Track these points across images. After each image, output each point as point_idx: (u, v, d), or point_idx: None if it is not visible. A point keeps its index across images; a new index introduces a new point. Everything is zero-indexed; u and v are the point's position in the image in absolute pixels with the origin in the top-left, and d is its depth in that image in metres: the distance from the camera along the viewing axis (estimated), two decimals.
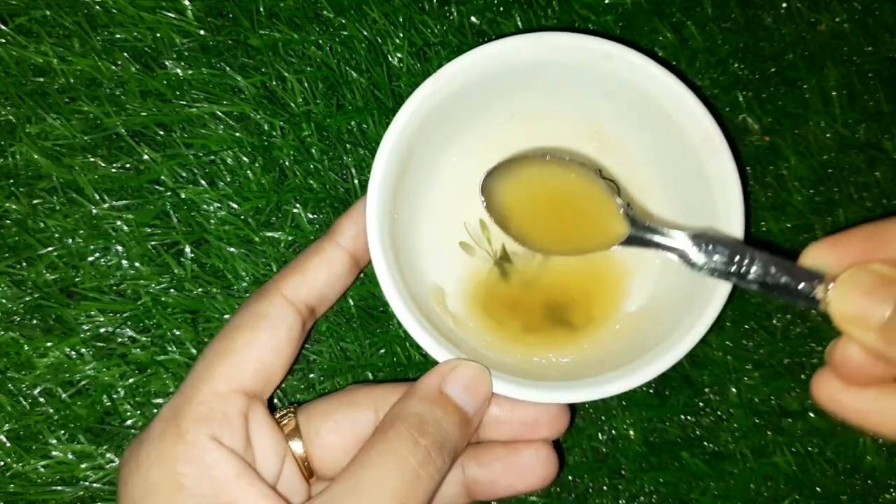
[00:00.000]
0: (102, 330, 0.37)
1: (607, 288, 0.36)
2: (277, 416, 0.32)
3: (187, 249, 0.38)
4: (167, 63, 0.38)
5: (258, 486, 0.28)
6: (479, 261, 0.36)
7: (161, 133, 0.38)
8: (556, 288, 0.36)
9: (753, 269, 0.29)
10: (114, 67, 0.38)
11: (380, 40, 0.39)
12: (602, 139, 0.36)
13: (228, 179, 0.38)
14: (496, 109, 0.35)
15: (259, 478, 0.28)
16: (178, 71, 0.38)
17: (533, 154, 0.34)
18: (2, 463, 0.36)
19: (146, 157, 0.38)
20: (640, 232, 0.31)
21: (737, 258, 0.29)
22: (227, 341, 0.30)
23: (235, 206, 0.38)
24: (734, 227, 0.32)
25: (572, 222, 0.33)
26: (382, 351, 0.39)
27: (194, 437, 0.28)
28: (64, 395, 0.37)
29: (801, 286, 0.27)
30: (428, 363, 0.39)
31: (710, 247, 0.29)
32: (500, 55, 0.32)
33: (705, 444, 0.39)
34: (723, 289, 0.31)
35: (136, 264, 0.37)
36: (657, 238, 0.31)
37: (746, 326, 0.40)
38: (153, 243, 0.38)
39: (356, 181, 0.39)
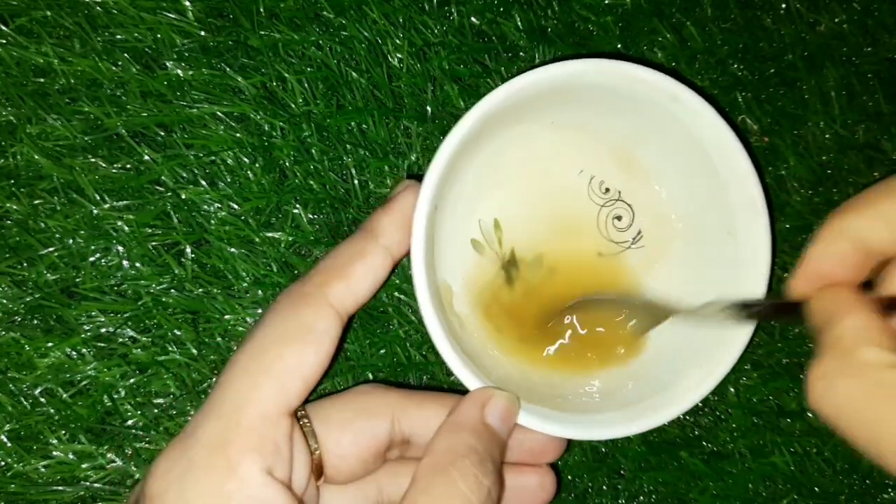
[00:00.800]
0: (103, 330, 0.37)
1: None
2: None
3: (188, 250, 0.38)
4: (168, 64, 0.38)
5: None
6: (488, 261, 0.36)
7: (161, 133, 0.38)
8: (557, 301, 0.36)
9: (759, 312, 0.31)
10: (114, 68, 0.38)
11: (380, 41, 0.39)
12: (632, 168, 0.36)
13: (229, 180, 0.38)
14: (540, 117, 0.35)
15: None
16: (179, 71, 0.38)
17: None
18: (2, 463, 0.37)
19: (147, 157, 0.38)
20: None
21: (744, 315, 0.31)
22: (272, 356, 0.28)
23: (236, 206, 0.38)
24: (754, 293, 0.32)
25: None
26: (382, 351, 0.39)
27: (248, 473, 0.26)
28: (65, 395, 0.37)
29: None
30: (428, 363, 0.39)
31: (717, 311, 0.31)
32: (573, 75, 0.31)
33: (704, 443, 0.39)
34: (742, 338, 0.32)
35: (137, 264, 0.38)
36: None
37: None
38: (154, 244, 0.38)
39: (356, 181, 0.39)
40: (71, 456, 0.37)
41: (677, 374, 0.32)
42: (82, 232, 0.37)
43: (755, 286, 0.32)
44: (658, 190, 0.36)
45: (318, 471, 0.31)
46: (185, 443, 0.27)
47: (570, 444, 0.39)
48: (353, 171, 0.39)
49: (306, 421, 0.31)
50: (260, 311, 0.38)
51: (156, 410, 0.37)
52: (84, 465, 0.37)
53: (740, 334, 0.32)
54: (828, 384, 0.24)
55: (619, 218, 0.36)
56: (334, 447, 0.31)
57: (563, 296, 0.36)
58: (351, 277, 0.30)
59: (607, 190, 0.36)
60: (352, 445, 0.31)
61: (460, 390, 0.32)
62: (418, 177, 0.38)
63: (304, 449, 0.29)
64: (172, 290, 0.38)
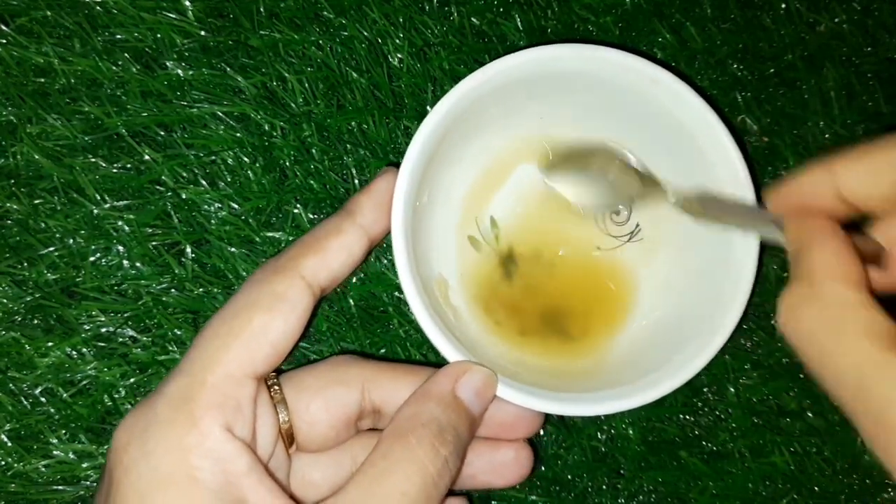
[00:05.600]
0: (103, 330, 0.37)
1: (609, 301, 0.36)
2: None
3: (188, 249, 0.38)
4: (168, 63, 0.38)
5: (267, 482, 0.27)
6: (485, 258, 0.36)
7: (162, 133, 0.38)
8: (557, 295, 0.36)
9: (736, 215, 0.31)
10: (115, 68, 0.38)
11: (380, 41, 0.39)
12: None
13: (229, 180, 0.38)
14: (527, 110, 0.35)
15: (267, 473, 0.28)
16: (179, 71, 0.38)
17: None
18: (3, 462, 0.37)
19: (147, 157, 0.38)
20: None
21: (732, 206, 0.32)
22: (241, 320, 0.29)
23: (236, 206, 0.38)
24: (745, 274, 0.32)
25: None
26: (383, 351, 0.39)
27: (209, 427, 0.27)
28: (65, 395, 0.37)
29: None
30: (428, 363, 0.39)
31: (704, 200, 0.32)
32: (548, 60, 0.32)
33: (704, 443, 0.39)
34: (731, 319, 0.31)
35: (137, 264, 0.38)
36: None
37: (745, 326, 0.40)
38: (154, 243, 0.38)
39: (356, 181, 0.39)
40: (71, 455, 0.37)
41: (673, 348, 0.32)
42: (83, 232, 0.37)
43: (745, 262, 0.32)
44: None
45: (289, 439, 0.31)
46: (151, 399, 0.28)
47: (570, 444, 0.39)
48: (354, 171, 0.39)
49: (277, 388, 0.31)
50: None
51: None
52: (84, 465, 0.37)
53: (732, 311, 0.32)
54: (793, 313, 0.24)
55: (616, 212, 0.36)
56: (304, 413, 0.31)
57: (562, 291, 0.36)
58: (324, 251, 0.30)
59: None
60: (321, 411, 0.31)
61: (440, 364, 0.32)
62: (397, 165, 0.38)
63: (271, 413, 0.30)
64: (173, 290, 0.38)
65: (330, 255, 0.30)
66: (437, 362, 0.39)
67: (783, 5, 0.41)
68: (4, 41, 0.38)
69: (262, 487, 0.27)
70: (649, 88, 0.32)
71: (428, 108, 0.39)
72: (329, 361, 0.33)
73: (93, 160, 0.38)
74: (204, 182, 0.38)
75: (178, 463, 0.26)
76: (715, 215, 0.31)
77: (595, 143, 0.35)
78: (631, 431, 0.39)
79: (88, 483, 0.37)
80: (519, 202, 0.36)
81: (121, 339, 0.37)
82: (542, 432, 0.39)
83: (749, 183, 0.32)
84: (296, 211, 0.38)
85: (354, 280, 0.38)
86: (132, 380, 0.37)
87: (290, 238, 0.38)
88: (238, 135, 0.38)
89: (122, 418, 0.28)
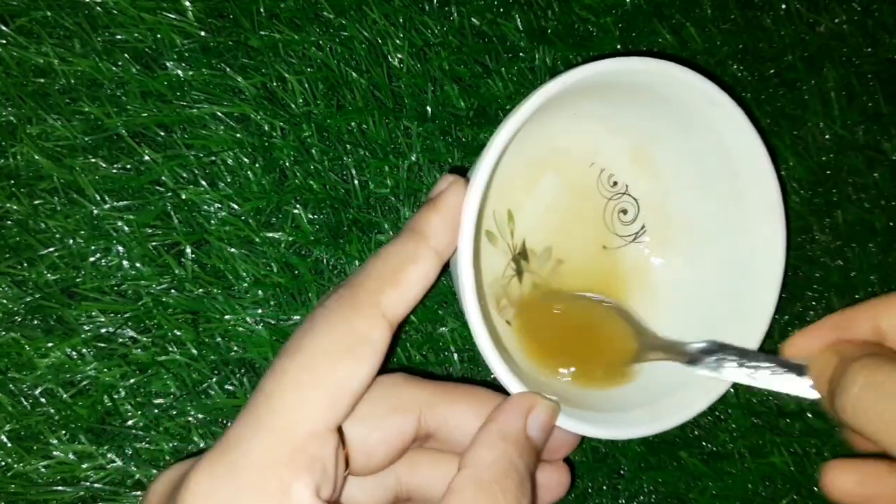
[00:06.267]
0: (103, 330, 0.37)
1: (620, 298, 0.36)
2: None
3: (188, 250, 0.38)
4: (168, 64, 0.38)
5: None
6: (500, 253, 0.36)
7: (162, 134, 0.38)
8: (561, 294, 0.36)
9: (759, 374, 0.30)
10: (114, 68, 0.38)
11: (380, 41, 0.39)
12: (645, 163, 0.36)
13: (229, 180, 0.38)
14: (564, 107, 0.34)
15: None
16: (179, 72, 0.38)
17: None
18: (3, 463, 0.37)
19: (147, 157, 0.38)
20: (651, 349, 0.33)
21: (744, 366, 0.31)
22: (323, 368, 0.27)
23: (236, 206, 0.38)
24: (764, 310, 0.32)
25: (591, 346, 0.35)
26: None
27: (300, 497, 0.25)
28: (65, 396, 0.37)
29: (806, 388, 0.29)
30: (428, 363, 0.39)
31: (717, 360, 0.31)
32: (622, 73, 0.31)
33: (704, 443, 0.39)
34: (757, 335, 0.32)
35: (137, 265, 0.38)
36: (667, 354, 0.32)
37: None
38: (154, 244, 0.38)
39: (356, 181, 0.39)
40: (71, 456, 0.37)
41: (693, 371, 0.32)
42: (82, 232, 0.37)
43: (767, 286, 0.32)
44: (667, 187, 0.36)
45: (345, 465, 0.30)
46: (229, 457, 0.25)
47: None
48: (354, 172, 0.39)
49: None
50: (260, 311, 0.38)
51: (156, 410, 0.37)
52: (84, 466, 0.37)
53: (758, 325, 0.32)
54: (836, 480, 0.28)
55: (624, 212, 0.36)
56: (362, 444, 0.30)
57: (569, 287, 0.36)
58: (403, 284, 0.28)
59: (615, 183, 0.36)
60: (380, 443, 0.30)
61: (486, 383, 0.32)
62: (457, 170, 0.37)
63: (343, 464, 0.28)
64: (172, 291, 0.38)
65: (408, 288, 0.28)
66: (453, 370, 0.39)
67: (783, 6, 0.41)
68: (4, 41, 0.38)
69: None
70: (704, 107, 0.32)
71: (428, 108, 0.39)
72: (381, 384, 0.31)
73: (93, 160, 0.38)
74: (204, 182, 0.38)
75: None
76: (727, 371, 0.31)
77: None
78: None
79: (88, 484, 0.37)
80: (534, 196, 0.36)
81: (121, 340, 0.37)
82: None
83: (782, 212, 0.32)
84: (296, 211, 0.38)
85: None
86: (132, 380, 0.37)
87: (290, 238, 0.38)
88: (238, 135, 0.38)
89: (192, 475, 0.25)
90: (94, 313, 0.37)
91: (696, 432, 0.39)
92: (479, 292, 0.30)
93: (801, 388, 0.29)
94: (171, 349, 0.38)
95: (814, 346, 0.29)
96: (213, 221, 0.38)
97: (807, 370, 0.29)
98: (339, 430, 0.28)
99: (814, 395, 0.29)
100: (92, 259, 0.37)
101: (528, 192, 0.36)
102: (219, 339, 0.38)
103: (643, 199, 0.36)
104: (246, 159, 0.38)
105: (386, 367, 0.28)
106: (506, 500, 0.27)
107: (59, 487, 0.37)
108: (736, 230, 0.33)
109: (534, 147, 0.36)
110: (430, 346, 0.39)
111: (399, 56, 0.39)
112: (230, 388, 0.38)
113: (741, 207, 0.33)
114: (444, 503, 0.26)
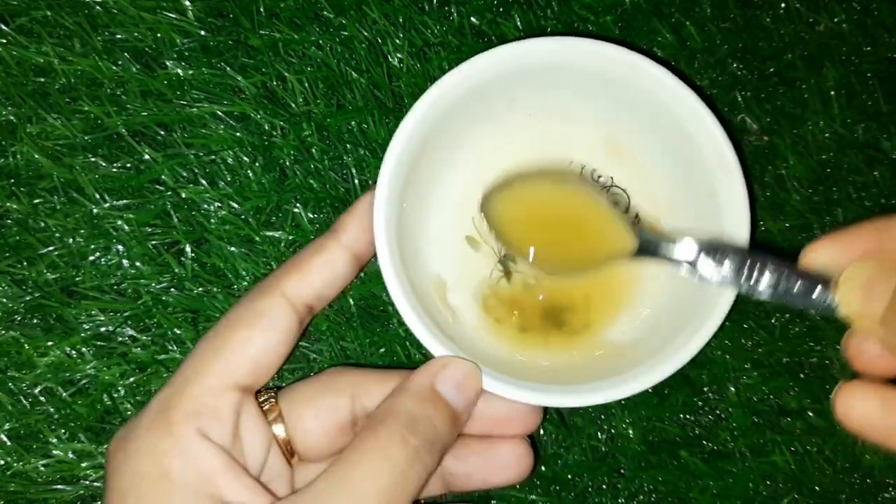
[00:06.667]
0: (103, 329, 0.37)
1: (609, 293, 0.36)
2: (260, 400, 0.32)
3: (188, 249, 0.38)
4: (168, 63, 0.38)
5: (243, 478, 0.29)
6: (484, 257, 0.36)
7: (162, 133, 0.38)
8: (557, 290, 0.36)
9: (765, 277, 0.28)
10: (114, 67, 0.38)
11: (380, 41, 0.39)
12: (614, 147, 0.36)
13: (229, 179, 0.38)
14: (514, 107, 0.35)
15: (244, 471, 0.29)
16: (179, 71, 0.38)
17: (533, 171, 0.35)
18: (2, 462, 0.37)
19: (147, 156, 0.38)
20: (648, 245, 0.31)
21: (747, 267, 0.29)
22: (222, 337, 0.31)
23: (236, 205, 0.38)
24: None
25: (577, 237, 0.33)
26: (382, 350, 0.39)
27: (182, 431, 0.29)
28: (64, 394, 0.37)
29: (815, 294, 0.27)
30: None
31: (720, 257, 0.29)
32: (525, 55, 0.32)
33: (704, 442, 0.39)
34: (725, 300, 0.31)
35: (137, 264, 0.38)
36: (665, 251, 0.31)
37: (745, 325, 0.40)
38: (154, 243, 0.38)
39: (356, 181, 0.39)
40: (71, 455, 0.37)
41: (671, 333, 0.32)
42: (82, 231, 0.37)
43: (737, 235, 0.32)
44: (645, 169, 0.36)
45: (289, 450, 0.32)
46: (141, 411, 0.30)
47: (570, 443, 0.39)
48: (354, 171, 0.39)
49: (273, 402, 0.32)
50: None
51: None
52: (84, 464, 0.37)
53: (722, 301, 0.31)
54: (848, 404, 0.26)
55: (616, 204, 0.36)
56: (297, 423, 0.32)
57: (560, 284, 0.36)
58: (307, 270, 0.32)
59: (600, 177, 0.36)
60: (312, 420, 0.32)
61: None
62: None
63: (260, 424, 0.31)
64: (172, 289, 0.38)
65: (311, 272, 0.32)
66: None
67: (783, 5, 0.41)
68: (4, 41, 0.38)
69: (238, 484, 0.29)
70: (629, 74, 0.32)
71: None
72: (323, 372, 0.34)
73: (93, 160, 0.38)
74: (204, 181, 0.38)
75: (154, 464, 0.28)
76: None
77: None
78: (631, 431, 0.39)
79: (88, 482, 0.37)
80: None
81: (120, 339, 0.37)
82: (541, 432, 0.39)
83: (736, 161, 0.32)
84: (295, 210, 0.38)
85: (355, 280, 0.38)
86: (131, 379, 0.37)
87: (290, 237, 0.38)
88: (238, 134, 0.38)
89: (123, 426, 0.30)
90: (93, 312, 0.37)
91: (697, 431, 0.39)
92: (397, 261, 0.31)
93: (820, 301, 0.27)
94: (170, 348, 0.38)
95: (845, 257, 0.27)
96: (212, 220, 0.38)
97: (832, 283, 0.27)
98: (264, 402, 0.32)
99: (835, 310, 0.27)
100: (92, 258, 0.37)
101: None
102: None
103: (631, 189, 0.36)
104: (246, 158, 0.38)
105: (296, 348, 0.32)
106: (390, 437, 0.28)
107: (59, 486, 0.37)
108: (705, 193, 0.33)
109: (505, 151, 0.36)
110: None
111: (399, 56, 0.39)
112: None
113: (704, 168, 0.33)
114: (343, 450, 0.29)
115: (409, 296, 0.31)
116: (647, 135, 0.35)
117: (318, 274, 0.32)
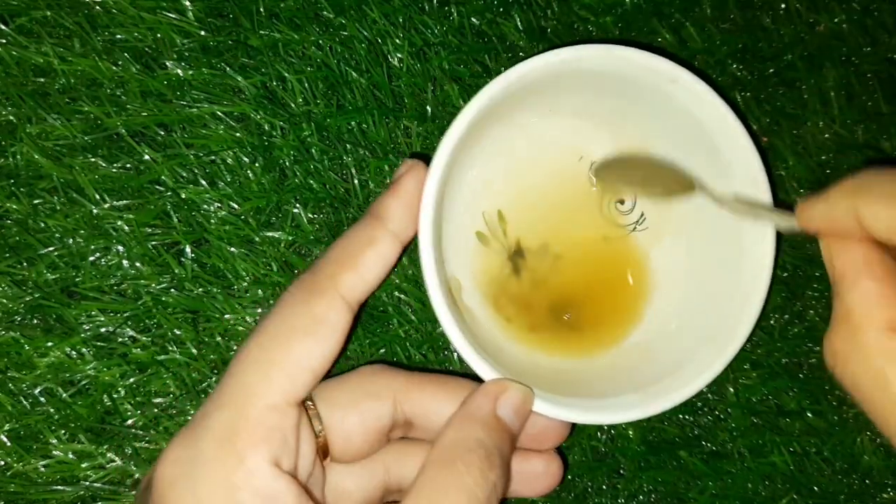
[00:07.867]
0: (103, 329, 0.37)
1: (619, 290, 0.36)
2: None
3: (188, 249, 0.38)
4: (168, 63, 0.38)
5: None
6: (494, 253, 0.36)
7: (161, 133, 0.38)
8: (566, 289, 0.36)
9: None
10: (114, 68, 0.38)
11: (380, 40, 0.39)
12: (631, 151, 0.36)
13: (229, 179, 0.38)
14: (537, 104, 0.35)
15: (311, 500, 0.28)
16: (179, 71, 0.38)
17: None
18: (2, 462, 0.37)
19: (147, 157, 0.38)
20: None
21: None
22: (281, 347, 0.28)
23: (236, 206, 0.38)
24: (760, 282, 0.32)
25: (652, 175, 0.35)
26: (382, 350, 0.39)
27: (255, 464, 0.27)
28: (64, 395, 0.37)
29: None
30: (428, 363, 0.39)
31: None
32: (571, 61, 0.31)
33: (703, 443, 0.39)
34: (748, 320, 0.32)
35: (137, 264, 0.38)
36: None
37: None
38: (154, 243, 0.38)
39: (356, 181, 0.39)
40: (71, 455, 0.37)
41: (686, 354, 0.32)
42: (82, 231, 0.37)
43: (759, 256, 0.32)
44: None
45: (323, 451, 0.31)
46: (195, 432, 0.27)
47: (570, 444, 0.39)
48: (354, 171, 0.39)
49: (311, 404, 0.31)
50: (260, 310, 0.38)
51: (156, 410, 0.37)
52: (84, 465, 0.37)
53: (750, 309, 0.32)
54: (838, 359, 0.26)
55: (621, 202, 0.37)
56: (339, 428, 0.31)
57: (570, 283, 0.36)
58: (362, 267, 0.29)
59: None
60: (356, 426, 0.31)
61: (465, 374, 0.32)
62: (419, 155, 0.38)
63: (310, 434, 0.30)
64: (172, 290, 0.38)
65: (366, 269, 0.30)
66: (453, 369, 0.39)
67: (783, 5, 0.41)
68: (4, 41, 0.38)
69: None
70: (667, 86, 0.32)
71: (428, 107, 0.39)
72: (359, 373, 0.33)
73: (92, 160, 0.38)
74: (203, 182, 0.38)
75: (227, 498, 0.26)
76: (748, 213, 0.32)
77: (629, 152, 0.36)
78: (631, 431, 0.39)
79: (88, 483, 0.37)
80: (525, 194, 0.36)
81: (120, 339, 0.37)
82: None
83: (767, 184, 0.32)
84: (295, 210, 0.38)
85: None
86: (132, 380, 0.37)
87: (290, 238, 0.38)
88: (238, 134, 0.38)
89: (164, 451, 0.28)
90: (93, 313, 0.37)
91: (696, 432, 0.39)
92: (442, 277, 0.30)
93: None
94: (170, 348, 0.38)
95: (817, 228, 0.28)
96: (212, 221, 0.38)
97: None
98: (319, 417, 0.30)
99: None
100: (91, 258, 0.37)
101: (519, 191, 0.36)
102: (218, 339, 0.38)
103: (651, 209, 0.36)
104: (246, 158, 0.38)
105: (347, 347, 0.30)
106: (469, 474, 0.27)
107: (59, 487, 0.37)
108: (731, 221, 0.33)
109: (520, 146, 0.36)
110: (429, 345, 0.39)
111: (399, 56, 0.39)
112: None
113: (729, 181, 0.33)
114: (414, 482, 0.28)
115: (452, 311, 0.30)
116: (668, 139, 0.35)
117: (373, 269, 0.30)
